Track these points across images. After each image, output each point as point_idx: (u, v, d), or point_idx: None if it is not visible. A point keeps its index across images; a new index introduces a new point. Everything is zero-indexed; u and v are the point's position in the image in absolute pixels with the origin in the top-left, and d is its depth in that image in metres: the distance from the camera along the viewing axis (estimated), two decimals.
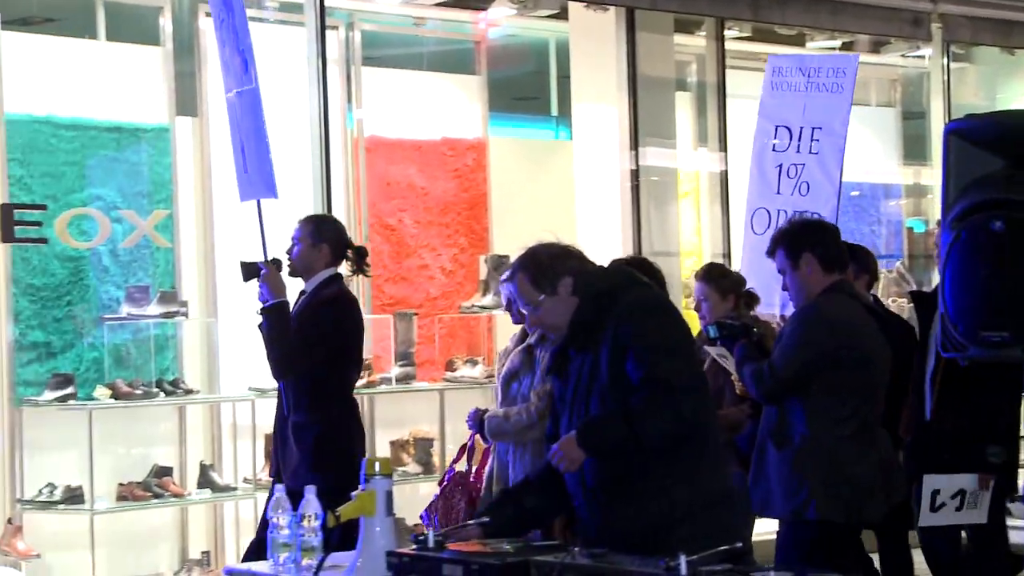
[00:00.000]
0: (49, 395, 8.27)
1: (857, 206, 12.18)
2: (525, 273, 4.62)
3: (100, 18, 9.06)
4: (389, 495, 4.81)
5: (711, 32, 10.73)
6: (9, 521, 8.31)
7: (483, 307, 9.62)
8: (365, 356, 7.88)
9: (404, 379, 9.41)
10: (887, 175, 12.49)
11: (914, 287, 11.92)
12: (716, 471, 4.61)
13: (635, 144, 10.25)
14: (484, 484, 6.79)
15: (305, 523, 4.98)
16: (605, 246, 10.46)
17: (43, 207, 8.49)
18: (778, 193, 8.24)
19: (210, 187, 9.27)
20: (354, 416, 6.88)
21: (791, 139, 8.27)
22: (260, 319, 6.73)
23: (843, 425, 5.67)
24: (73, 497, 8.34)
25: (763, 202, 8.28)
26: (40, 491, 8.34)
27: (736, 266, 8.66)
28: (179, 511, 9.08)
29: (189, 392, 8.83)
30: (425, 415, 9.61)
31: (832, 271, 5.84)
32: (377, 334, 9.38)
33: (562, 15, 10.44)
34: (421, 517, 6.96)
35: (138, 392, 8.62)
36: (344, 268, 6.92)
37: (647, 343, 4.45)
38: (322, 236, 6.79)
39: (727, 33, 10.80)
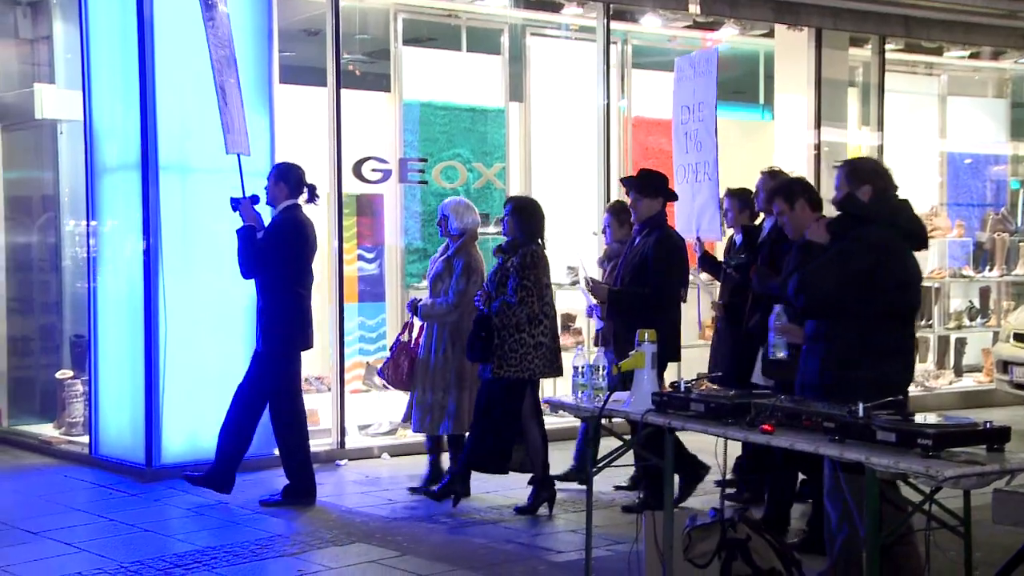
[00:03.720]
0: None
1: (973, 169, 11.65)
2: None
3: (463, 37, 9.15)
4: (654, 355, 4.81)
5: (875, 46, 10.30)
6: None
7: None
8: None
9: None
10: (997, 148, 11.87)
11: (1014, 227, 11.39)
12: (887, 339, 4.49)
13: (818, 125, 9.97)
14: (420, 350, 6.71)
15: (596, 371, 5.06)
16: None
17: (424, 160, 8.68)
18: (686, 153, 7.77)
19: (530, 149, 9.32)
20: (296, 305, 6.42)
21: (689, 113, 7.77)
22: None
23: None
24: None
25: (680, 161, 7.82)
26: None
27: None
28: None
29: None
30: None
31: (816, 210, 5.51)
32: None
33: (769, 34, 10.19)
34: (378, 373, 6.95)
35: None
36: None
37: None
38: (282, 178, 6.49)
39: (886, 46, 10.36)
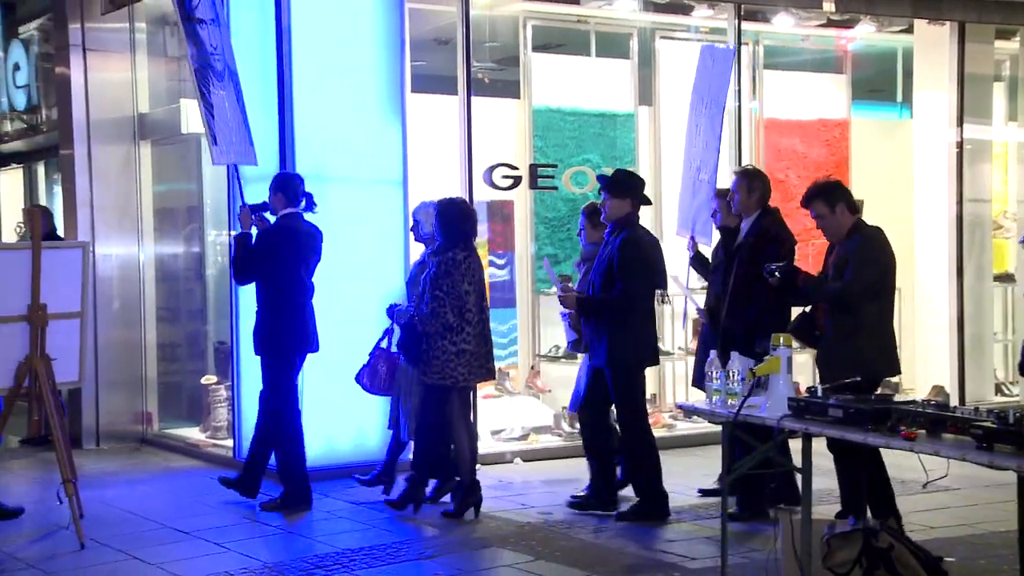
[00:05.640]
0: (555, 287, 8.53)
1: None
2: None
3: (592, 42, 9.14)
4: (789, 359, 4.76)
5: None
6: (532, 367, 8.71)
7: None
8: None
9: None
10: None
11: None
12: None
13: (960, 122, 9.68)
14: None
15: (730, 376, 5.00)
16: (936, 194, 9.98)
17: (554, 166, 8.69)
18: (693, 147, 7.56)
19: (659, 153, 9.25)
20: (288, 311, 6.52)
21: (703, 106, 7.53)
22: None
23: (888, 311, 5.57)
24: (569, 354, 8.51)
25: (687, 151, 7.66)
26: (550, 349, 8.64)
27: None
28: None
29: None
30: None
31: (854, 213, 5.55)
32: None
33: (908, 29, 9.93)
34: (356, 379, 6.74)
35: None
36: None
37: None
38: (280, 188, 6.61)
39: None
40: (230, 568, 5.45)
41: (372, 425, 7.46)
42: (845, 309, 5.44)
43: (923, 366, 9.97)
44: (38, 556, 5.71)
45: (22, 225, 10.40)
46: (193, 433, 8.86)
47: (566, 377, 8.78)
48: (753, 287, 6.07)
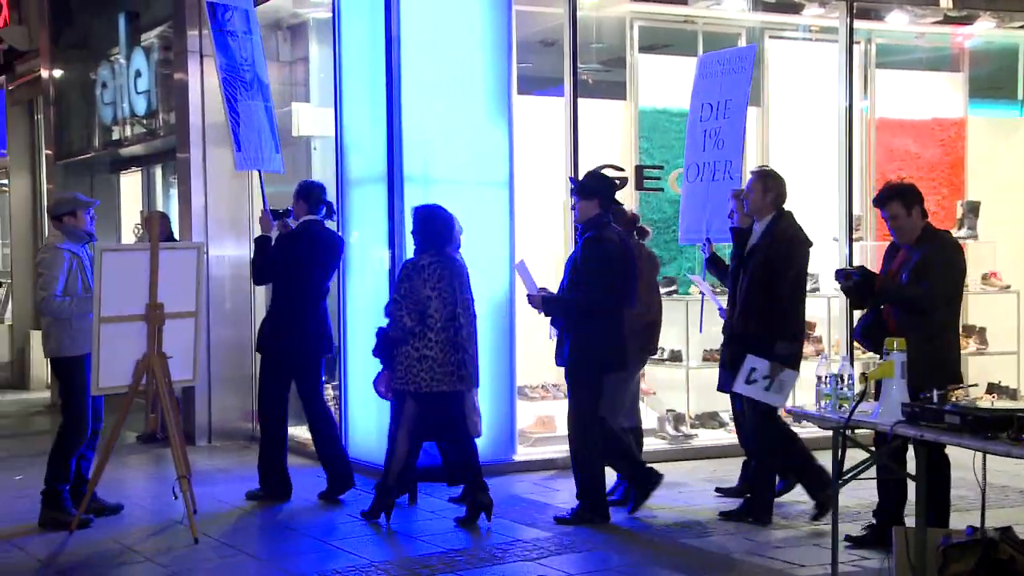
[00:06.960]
0: (661, 290, 8.42)
1: None
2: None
3: (699, 42, 9.02)
4: (903, 364, 4.64)
5: None
6: None
7: (960, 237, 9.03)
8: None
9: None
10: None
11: None
12: None
13: None
14: None
15: (842, 380, 4.90)
16: None
17: (660, 167, 8.59)
18: (704, 151, 7.44)
19: (767, 154, 9.07)
20: (296, 313, 6.75)
21: (712, 111, 7.43)
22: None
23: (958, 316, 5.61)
24: (675, 356, 8.53)
25: (694, 159, 7.53)
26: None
27: None
28: None
29: None
30: None
31: (926, 217, 5.50)
32: (876, 256, 9.02)
33: None
34: (373, 385, 6.68)
35: (718, 290, 8.70)
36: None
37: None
38: (301, 196, 6.86)
39: None
40: (337, 566, 5.53)
41: None
42: (920, 313, 5.37)
43: None
44: (154, 549, 5.87)
45: (140, 227, 10.72)
46: (301, 431, 8.96)
47: (671, 380, 8.72)
48: (769, 290, 5.99)
